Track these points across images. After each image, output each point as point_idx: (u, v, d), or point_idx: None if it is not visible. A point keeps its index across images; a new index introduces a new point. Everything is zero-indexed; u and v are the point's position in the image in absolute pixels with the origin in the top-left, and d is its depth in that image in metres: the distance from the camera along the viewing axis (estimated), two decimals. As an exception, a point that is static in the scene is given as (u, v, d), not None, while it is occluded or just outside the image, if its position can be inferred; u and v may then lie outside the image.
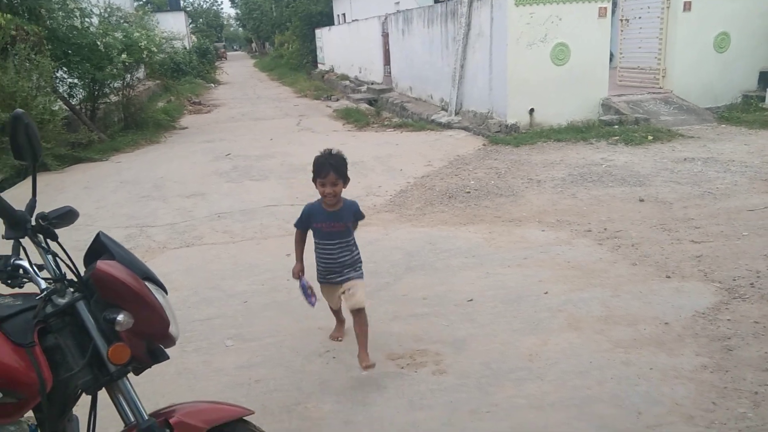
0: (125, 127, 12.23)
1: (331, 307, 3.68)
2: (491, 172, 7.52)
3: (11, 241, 1.90)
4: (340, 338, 3.77)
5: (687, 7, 10.30)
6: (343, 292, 3.35)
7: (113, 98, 12.57)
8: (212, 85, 25.38)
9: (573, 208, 6.10)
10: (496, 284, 4.47)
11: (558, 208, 6.15)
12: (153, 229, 6.16)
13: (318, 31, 27.26)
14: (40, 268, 1.92)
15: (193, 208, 6.82)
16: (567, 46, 9.73)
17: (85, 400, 1.97)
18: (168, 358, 1.95)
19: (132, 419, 1.87)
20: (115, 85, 12.29)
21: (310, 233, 3.45)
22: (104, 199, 7.13)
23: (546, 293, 4.27)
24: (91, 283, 1.83)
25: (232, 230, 6.07)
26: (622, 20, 11.69)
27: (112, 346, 1.78)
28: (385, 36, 16.95)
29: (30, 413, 1.88)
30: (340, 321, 3.80)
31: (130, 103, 12.75)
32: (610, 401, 3.04)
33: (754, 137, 8.63)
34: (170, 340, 1.98)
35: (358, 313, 3.32)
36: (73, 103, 11.42)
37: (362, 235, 5.63)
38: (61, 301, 1.82)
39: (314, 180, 3.22)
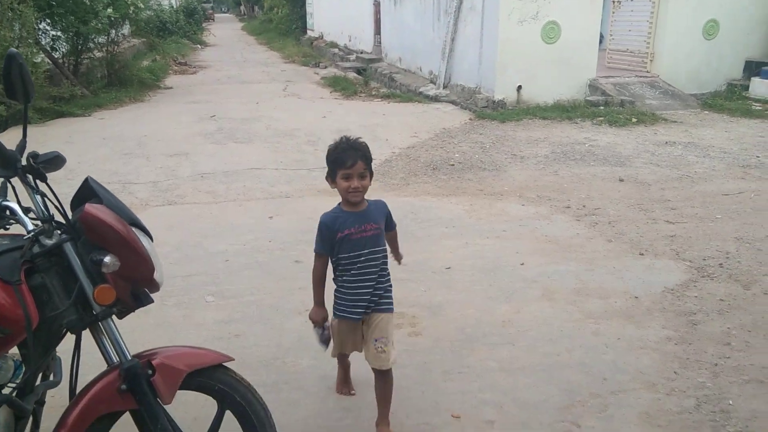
0: (109, 84, 12.03)
1: (340, 353, 2.79)
2: (476, 146, 7.58)
3: None
4: (353, 392, 2.94)
5: (678, -9, 10.34)
6: (374, 340, 2.57)
7: (97, 54, 12.33)
8: (199, 46, 24.95)
9: (554, 185, 6.20)
10: (475, 254, 4.56)
11: (539, 184, 6.24)
12: (136, 186, 6.14)
13: (308, -3, 26.81)
14: (27, 210, 1.95)
15: (176, 167, 6.80)
16: (558, 25, 9.73)
17: (68, 344, 2.02)
18: (152, 301, 2.00)
19: (115, 360, 1.92)
20: (100, 40, 12.06)
21: None
22: (86, 153, 7.06)
23: (522, 264, 4.37)
24: (78, 226, 1.87)
25: (215, 191, 6.08)
26: (614, 2, 11.69)
27: (97, 287, 1.83)
28: (377, 5, 16.76)
29: (15, 350, 1.93)
30: (345, 367, 2.95)
31: (114, 60, 12.52)
32: (577, 368, 3.16)
33: (735, 125, 8.77)
34: (155, 286, 2.03)
35: (384, 374, 2.60)
36: (56, 56, 11.21)
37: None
38: (49, 242, 1.85)
39: (331, 176, 2.53)
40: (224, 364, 2.09)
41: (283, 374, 3.10)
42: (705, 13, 10.50)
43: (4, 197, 1.95)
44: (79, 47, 11.56)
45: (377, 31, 17.14)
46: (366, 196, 2.56)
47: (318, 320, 2.68)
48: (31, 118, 8.55)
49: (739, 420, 2.76)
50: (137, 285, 1.96)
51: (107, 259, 1.81)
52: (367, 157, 2.51)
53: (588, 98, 9.90)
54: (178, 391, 1.95)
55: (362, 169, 2.48)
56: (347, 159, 2.47)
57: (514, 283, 4.10)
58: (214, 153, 7.37)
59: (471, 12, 10.60)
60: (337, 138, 2.57)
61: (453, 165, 6.86)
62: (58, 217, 1.94)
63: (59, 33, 11.03)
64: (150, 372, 1.89)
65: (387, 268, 2.66)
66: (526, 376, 3.09)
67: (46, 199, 1.91)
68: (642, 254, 4.56)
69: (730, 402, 2.88)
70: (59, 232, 1.89)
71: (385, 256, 2.65)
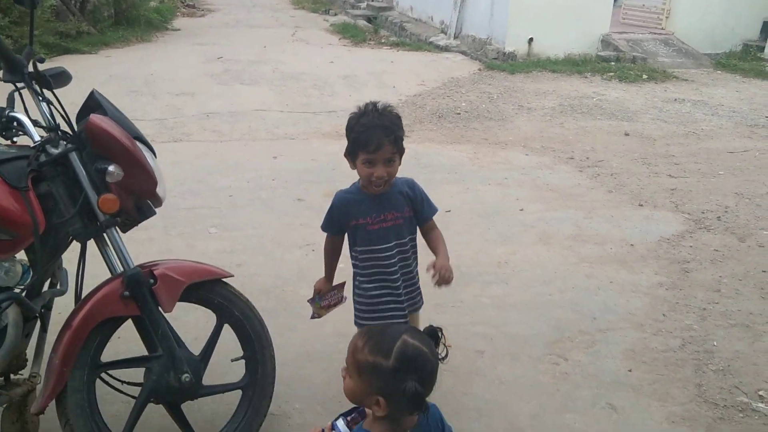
0: (116, 23, 11.86)
1: None
2: (483, 96, 7.53)
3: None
4: None
5: (699, -55, 10.07)
6: None
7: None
8: (208, -11, 24.47)
9: (559, 137, 6.19)
10: (475, 199, 4.61)
11: (544, 135, 6.23)
12: (141, 123, 6.14)
13: (321, -58, 26.13)
14: (35, 123, 1.99)
15: (182, 106, 6.80)
16: (573, -24, 9.51)
17: (75, 255, 2.09)
18: (155, 213, 2.07)
19: (119, 269, 1.99)
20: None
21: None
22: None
23: (521, 210, 4.42)
24: (84, 136, 1.91)
25: (220, 130, 6.10)
26: (632, -46, 11.40)
27: (101, 196, 1.88)
28: (390, -49, 16.35)
29: (23, 256, 2.01)
30: None
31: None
32: (568, 307, 3.24)
33: (747, 85, 8.66)
34: (157, 200, 2.09)
35: None
36: (62, -8, 11.04)
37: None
38: (55, 151, 1.90)
39: (351, 155, 2.06)
40: (224, 280, 2.17)
41: (281, 302, 3.19)
42: (725, -31, 10.23)
43: (12, 108, 1.99)
44: (86, -16, 11.37)
45: (389, -22, 16.77)
46: None
47: (316, 286, 2.37)
48: (38, 52, 8.50)
49: (722, 359, 2.85)
50: (140, 197, 2.01)
51: (111, 168, 1.86)
52: (397, 138, 1.99)
53: (600, 53, 9.76)
54: (180, 309, 2.03)
55: (390, 153, 1.98)
56: (371, 141, 1.95)
57: (512, 227, 4.16)
58: (220, 93, 7.35)
59: (485, -40, 10.34)
60: (362, 105, 2.05)
61: (459, 114, 6.83)
62: (65, 128, 1.98)
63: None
64: (152, 281, 1.96)
65: (414, 265, 2.22)
66: (517, 312, 3.18)
67: (52, 107, 1.94)
68: (641, 205, 4.60)
69: (715, 343, 2.97)
70: (65, 142, 1.93)
71: (414, 251, 2.22)
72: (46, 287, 2.14)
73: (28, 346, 2.09)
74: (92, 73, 7.79)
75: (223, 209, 4.30)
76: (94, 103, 2.01)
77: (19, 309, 1.89)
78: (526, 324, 3.08)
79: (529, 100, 7.39)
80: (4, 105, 1.99)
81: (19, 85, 1.95)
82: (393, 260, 2.15)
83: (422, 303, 2.35)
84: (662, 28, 10.69)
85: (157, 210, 2.11)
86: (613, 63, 9.32)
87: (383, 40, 11.99)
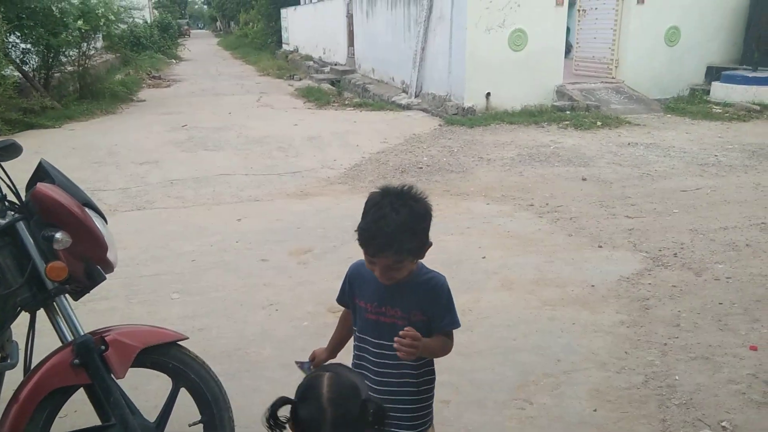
0: (80, 97, 11.98)
1: None
2: (444, 150, 7.71)
3: None
4: None
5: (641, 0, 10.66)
6: None
7: (69, 68, 12.30)
8: (174, 61, 24.95)
9: (519, 185, 6.34)
10: (438, 249, 4.59)
11: (504, 184, 6.38)
12: (104, 193, 6.15)
13: (283, 11, 27.01)
14: (-17, 196, 2.00)
15: (146, 174, 6.83)
16: (524, 33, 9.96)
17: (24, 327, 2.06)
18: (105, 278, 2.06)
19: (69, 338, 1.97)
20: (71, 53, 12.02)
21: None
22: (55, 163, 6.84)
23: (484, 258, 4.48)
24: (31, 205, 1.93)
25: (184, 196, 6.12)
26: (579, 11, 12.00)
27: (49, 263, 1.88)
28: (350, 17, 16.96)
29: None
30: None
31: (86, 73, 12.48)
32: (532, 350, 3.26)
33: (696, 127, 9.03)
34: (108, 265, 2.09)
35: None
36: (27, 70, 11.15)
37: (312, 203, 5.80)
38: (1, 221, 1.91)
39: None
40: (179, 343, 2.16)
41: (245, 363, 3.15)
42: (666, 19, 10.82)
43: (-41, 182, 2.00)
44: (50, 60, 11.52)
45: (350, 43, 17.33)
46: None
47: (313, 354, 2.04)
48: (0, 129, 8.51)
49: (684, 393, 2.88)
50: (90, 263, 2.01)
51: (58, 235, 1.87)
52: (401, 246, 1.63)
53: (555, 103, 10.13)
54: (140, 376, 2.00)
55: (392, 263, 1.67)
56: (368, 245, 1.67)
57: (475, 274, 4.21)
58: (185, 160, 7.41)
59: (440, 21, 10.80)
60: (385, 187, 1.72)
61: (421, 168, 6.98)
62: (12, 199, 1.99)
63: (29, 46, 10.99)
64: (103, 347, 1.94)
65: (415, 382, 1.85)
66: (482, 359, 3.18)
67: (-2, 179, 1.96)
68: (600, 246, 4.70)
69: (677, 377, 3.00)
70: (12, 212, 1.94)
71: (422, 371, 1.87)
72: (-4, 361, 2.10)
73: (-25, 422, 2.03)
74: (55, 146, 7.81)
75: (186, 274, 4.27)
76: (42, 173, 2.04)
77: (-35, 385, 1.85)
78: (491, 370, 3.08)
79: (488, 152, 7.59)
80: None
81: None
82: (382, 365, 1.80)
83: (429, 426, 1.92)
84: (613, 77, 11.17)
85: (108, 276, 2.10)
86: (568, 112, 9.66)
87: (347, 102, 12.29)
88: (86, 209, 2.01)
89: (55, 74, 11.95)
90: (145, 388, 2.73)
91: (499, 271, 4.25)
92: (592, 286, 4.02)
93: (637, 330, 3.46)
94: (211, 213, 5.64)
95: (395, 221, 1.62)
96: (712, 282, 4.05)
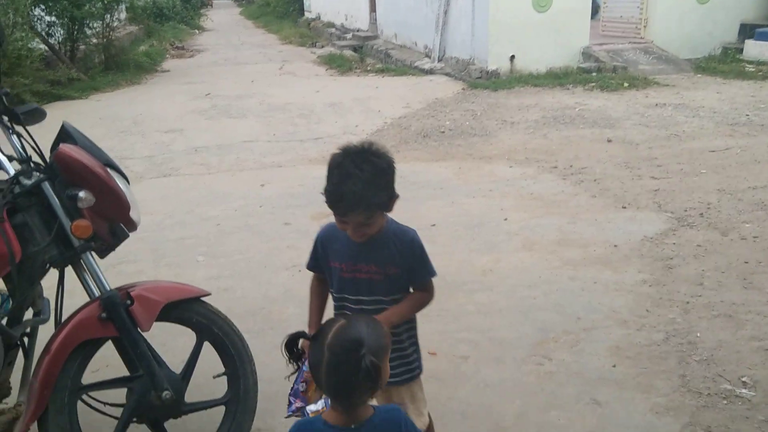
0: (105, 68, 12.09)
1: None
2: (467, 114, 7.64)
3: None
4: None
5: (671, -45, 10.29)
6: None
7: (94, 40, 12.40)
8: (196, 31, 24.89)
9: (542, 147, 6.27)
10: (460, 212, 4.66)
11: (528, 147, 6.32)
12: (130, 161, 6.26)
13: (305, -22, 26.69)
14: (10, 159, 2.06)
15: (171, 142, 6.91)
16: (549, -7, 9.71)
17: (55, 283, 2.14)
18: (128, 236, 2.11)
19: (97, 293, 2.04)
20: (95, 25, 12.10)
21: None
22: (83, 131, 7.16)
23: (506, 219, 4.47)
24: (55, 166, 1.98)
25: (208, 163, 6.19)
26: (606, -32, 11.64)
27: (74, 221, 1.94)
28: (371, -18, 16.70)
29: (2, 286, 2.06)
30: None
31: (110, 45, 12.57)
32: (553, 309, 3.27)
33: (727, 86, 8.77)
34: (131, 224, 2.14)
35: None
36: (52, 42, 11.28)
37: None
38: (28, 182, 1.97)
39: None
40: (202, 299, 2.22)
41: (268, 321, 3.23)
42: (698, -24, 10.44)
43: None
44: (75, 33, 11.62)
45: (373, 8, 17.07)
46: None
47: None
48: (29, 101, 8.66)
49: (705, 350, 2.87)
50: (114, 221, 2.07)
51: (82, 193, 1.92)
52: (372, 205, 1.67)
53: (581, 65, 9.91)
54: (168, 334, 2.06)
55: (363, 219, 1.69)
56: (337, 205, 1.68)
57: (497, 236, 4.21)
58: (208, 128, 7.47)
59: (462, -17, 10.58)
60: (345, 147, 1.72)
61: (443, 132, 6.93)
62: (37, 160, 2.05)
63: (54, 19, 11.09)
64: (129, 302, 2.01)
65: (401, 331, 1.87)
66: (502, 317, 3.21)
67: (23, 140, 2.01)
68: (624, 207, 4.65)
69: (698, 335, 2.99)
70: (38, 173, 2.00)
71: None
72: (30, 317, 2.19)
73: (11, 374, 2.13)
74: (82, 116, 7.93)
75: (211, 238, 4.35)
76: (65, 135, 2.08)
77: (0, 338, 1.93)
78: (510, 328, 3.11)
79: (512, 115, 7.50)
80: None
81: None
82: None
83: (410, 376, 1.93)
84: (641, 38, 10.86)
85: (134, 239, 2.16)
86: (594, 74, 9.46)
87: (369, 68, 12.19)
88: (108, 169, 2.05)
89: (81, 46, 12.05)
90: (172, 345, 2.81)
91: (520, 233, 4.24)
92: (615, 246, 3.99)
93: (660, 289, 3.44)
94: (234, 179, 5.71)
95: (360, 178, 1.63)
96: (739, 241, 3.99)
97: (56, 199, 1.96)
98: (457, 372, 2.77)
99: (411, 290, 1.88)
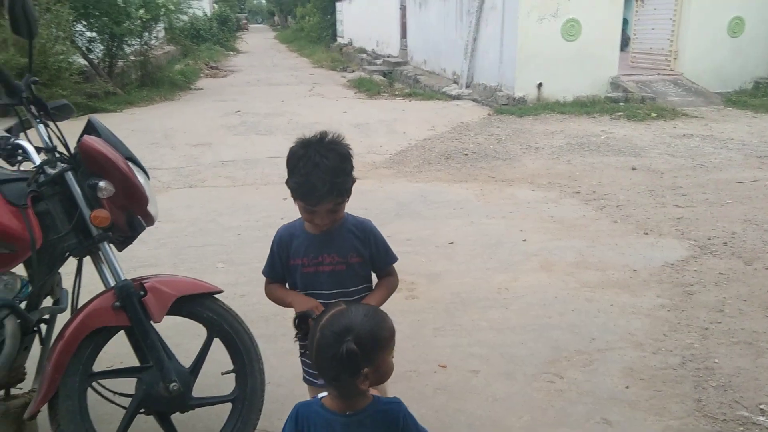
0: (141, 84, 12.46)
1: None
2: (492, 138, 7.66)
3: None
4: None
5: (702, -11, 10.29)
6: None
7: (132, 57, 12.80)
8: (231, 53, 25.54)
9: (566, 173, 6.25)
10: (479, 231, 4.66)
11: (552, 172, 6.30)
12: (159, 171, 6.40)
13: (338, 4, 27.26)
14: (38, 150, 2.14)
15: (199, 155, 7.06)
16: (578, 22, 9.77)
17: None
18: (145, 228, 2.17)
19: (112, 283, 2.09)
20: (133, 42, 12.50)
21: None
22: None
23: (524, 240, 4.45)
24: (79, 157, 2.05)
25: (234, 176, 6.30)
26: (637, 1, 11.67)
27: (94, 211, 2.00)
28: (403, 9, 17.00)
29: (23, 272, 2.12)
30: None
31: (147, 62, 12.97)
32: (567, 329, 3.23)
33: (758, 120, 8.67)
34: (149, 218, 2.20)
35: None
36: (92, 57, 11.67)
37: (356, 186, 5.84)
38: (52, 171, 2.04)
39: (291, 193, 1.81)
40: (214, 296, 2.25)
41: (281, 327, 3.24)
42: (730, 10, 10.40)
43: (17, 136, 2.15)
44: (114, 49, 12.02)
45: (403, 35, 17.36)
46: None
47: (312, 306, 1.76)
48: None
49: (723, 376, 2.80)
50: (132, 213, 2.12)
51: (102, 183, 1.99)
52: (342, 190, 1.73)
53: (609, 95, 9.90)
54: (182, 335, 2.09)
55: (333, 205, 1.75)
56: (309, 196, 1.72)
57: (514, 256, 4.19)
58: (236, 143, 7.62)
59: (492, 11, 10.71)
60: (305, 137, 1.76)
61: (467, 155, 6.96)
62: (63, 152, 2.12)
63: (95, 35, 11.50)
64: (142, 293, 2.05)
65: None
66: (515, 335, 3.18)
67: (49, 129, 2.09)
68: (646, 233, 4.59)
69: (716, 360, 2.92)
70: (62, 163, 2.07)
71: (363, 296, 1.91)
72: (49, 305, 2.24)
73: (26, 360, 2.18)
74: (115, 128, 8.00)
75: (232, 246, 4.42)
76: (90, 129, 2.16)
77: (17, 321, 1.98)
78: (523, 345, 3.08)
79: (536, 140, 7.50)
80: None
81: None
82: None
83: None
84: (671, 69, 10.83)
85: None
86: (622, 104, 9.43)
87: (397, 92, 12.33)
88: (129, 163, 2.12)
89: (119, 63, 12.45)
90: (186, 346, 2.85)
91: (538, 253, 4.22)
92: (634, 270, 3.94)
93: (678, 314, 3.38)
94: (258, 192, 5.79)
95: (328, 167, 1.68)
96: (763, 271, 3.91)
97: (78, 189, 2.02)
98: (467, 385, 2.75)
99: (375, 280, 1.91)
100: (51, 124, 2.08)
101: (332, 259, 1.85)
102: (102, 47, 11.89)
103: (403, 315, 3.35)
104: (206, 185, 6.03)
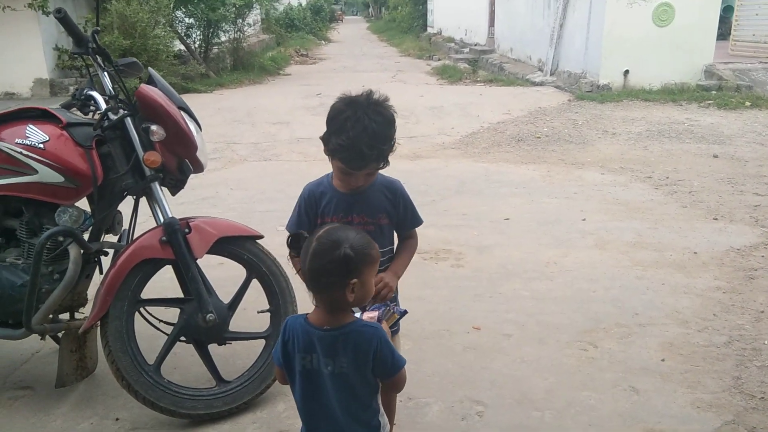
0: (233, 68, 13.11)
1: None
2: (568, 123, 7.51)
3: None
4: None
5: (816, -30, 9.53)
6: None
7: (226, 44, 13.47)
8: (323, 42, 26.16)
9: (640, 158, 6.04)
10: (537, 209, 4.63)
11: (625, 157, 6.11)
12: (238, 146, 6.77)
13: (430, -6, 27.23)
14: (106, 101, 2.38)
15: (276, 132, 7.39)
16: (671, 7, 9.31)
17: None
18: (192, 172, 2.37)
19: (162, 221, 2.31)
20: (227, 28, 13.14)
21: None
22: (200, 120, 7.79)
23: (583, 220, 4.39)
24: (137, 105, 2.28)
25: (307, 152, 6.55)
26: (741, -16, 10.96)
27: (147, 152, 2.22)
28: (492, -3, 16.78)
29: (86, 207, 2.38)
30: None
31: (239, 47, 13.59)
32: (610, 302, 3.19)
33: None
34: (198, 164, 2.40)
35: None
36: (189, 42, 12.39)
37: (421, 164, 5.95)
38: (114, 117, 2.28)
39: (327, 150, 1.79)
40: (255, 240, 2.44)
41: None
42: None
43: (90, 87, 2.40)
44: (210, 35, 12.70)
45: (491, 23, 17.15)
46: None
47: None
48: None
49: (769, 357, 2.69)
50: (182, 158, 2.33)
51: (154, 127, 2.20)
52: (382, 156, 1.70)
53: (701, 83, 9.39)
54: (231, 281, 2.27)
55: (373, 170, 1.74)
56: (352, 161, 1.68)
57: (570, 234, 4.14)
58: (313, 122, 7.86)
59: (580, -4, 10.40)
60: (352, 95, 1.72)
61: (539, 138, 6.87)
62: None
63: (193, 21, 12.20)
64: (187, 230, 2.26)
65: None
66: (555, 305, 3.18)
67: (113, 77, 2.33)
68: (716, 219, 4.40)
69: (766, 342, 2.81)
70: (123, 110, 2.30)
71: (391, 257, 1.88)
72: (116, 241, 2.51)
73: (88, 286, 2.45)
74: (202, 106, 8.63)
75: (294, 213, 4.63)
76: (150, 80, 2.38)
77: (79, 248, 2.24)
78: (561, 315, 3.07)
79: (614, 126, 7.27)
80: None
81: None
82: None
83: (398, 329, 1.92)
84: (775, 58, 10.11)
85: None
86: (713, 92, 8.93)
87: (478, 79, 12.25)
88: (182, 113, 2.32)
89: (214, 48, 13.15)
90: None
91: (595, 232, 4.15)
92: (695, 253, 3.80)
93: (734, 296, 3.24)
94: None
95: (376, 132, 1.64)
96: (839, 261, 3.67)
97: (135, 134, 2.25)
98: (497, 346, 2.79)
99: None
100: (114, 74, 2.32)
101: (361, 219, 1.81)
102: (199, 33, 12.59)
103: (447, 281, 3.43)
104: (280, 159, 6.32)
